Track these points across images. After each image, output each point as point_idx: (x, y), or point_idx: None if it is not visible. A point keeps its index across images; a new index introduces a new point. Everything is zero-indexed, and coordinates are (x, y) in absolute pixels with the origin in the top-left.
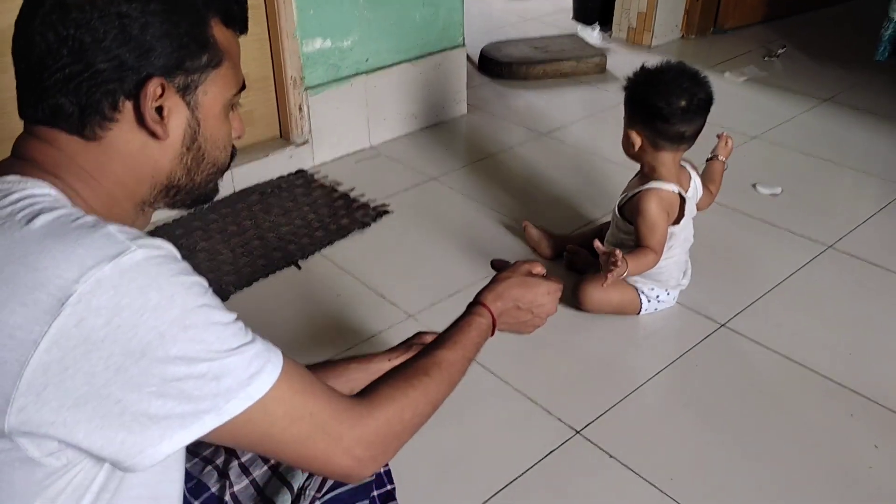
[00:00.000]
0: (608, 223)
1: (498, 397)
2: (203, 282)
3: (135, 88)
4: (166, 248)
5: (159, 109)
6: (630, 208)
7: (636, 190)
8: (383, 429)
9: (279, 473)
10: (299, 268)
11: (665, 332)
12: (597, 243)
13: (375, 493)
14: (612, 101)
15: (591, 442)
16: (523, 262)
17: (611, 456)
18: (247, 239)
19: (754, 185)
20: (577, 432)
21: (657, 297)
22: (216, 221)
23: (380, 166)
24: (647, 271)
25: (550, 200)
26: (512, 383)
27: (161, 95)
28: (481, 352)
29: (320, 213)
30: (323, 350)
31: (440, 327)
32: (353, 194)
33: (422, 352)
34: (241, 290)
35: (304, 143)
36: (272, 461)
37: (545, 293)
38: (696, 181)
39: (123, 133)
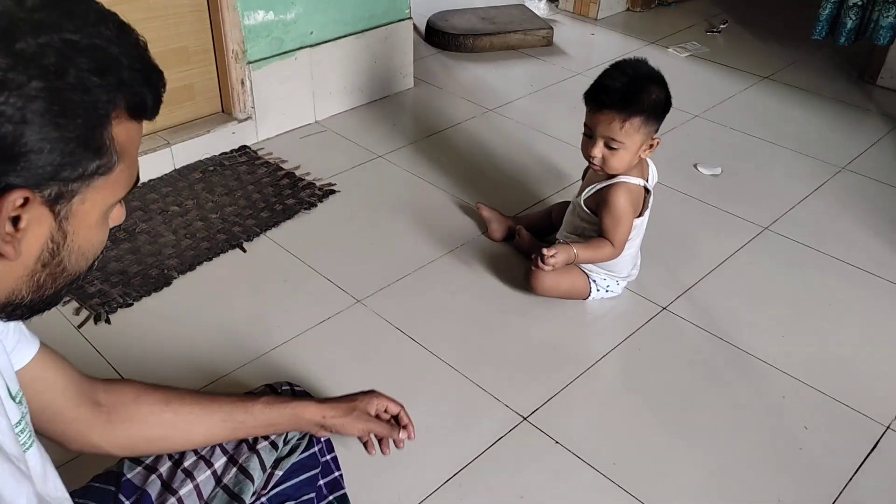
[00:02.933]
0: (559, 204)
1: (446, 384)
2: None
3: None
4: None
5: (14, 220)
6: (595, 199)
7: (605, 183)
8: None
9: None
10: (244, 251)
11: (610, 316)
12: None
13: (322, 481)
14: (558, 77)
15: (538, 428)
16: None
17: (556, 442)
18: (189, 220)
19: (695, 166)
20: (524, 419)
21: (607, 287)
22: (157, 202)
23: (325, 142)
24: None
25: (499, 179)
26: (460, 370)
27: (22, 205)
28: (429, 337)
29: (265, 192)
30: (270, 337)
31: (388, 312)
32: (298, 172)
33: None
34: (184, 275)
35: (248, 118)
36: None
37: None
38: (653, 171)
39: None
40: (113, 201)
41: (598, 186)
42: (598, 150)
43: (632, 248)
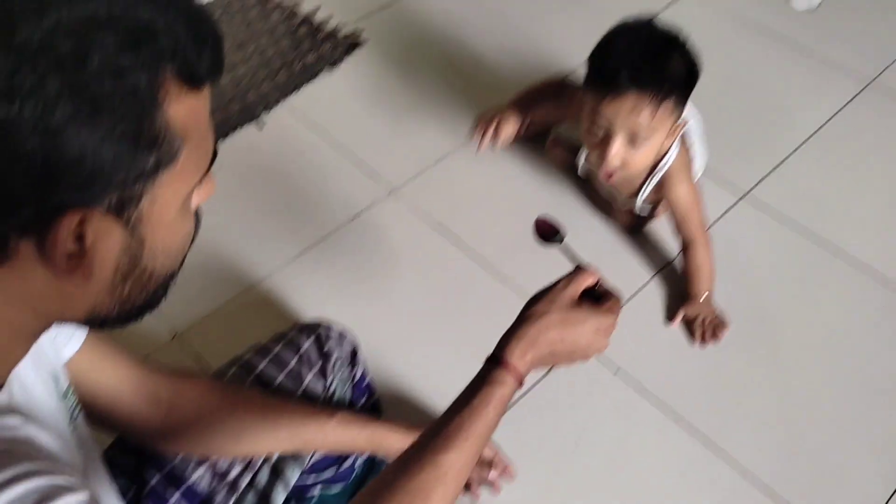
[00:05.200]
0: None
1: (485, 292)
2: None
3: (35, 226)
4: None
5: (79, 238)
6: (650, 199)
7: (653, 182)
8: None
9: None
10: (263, 124)
11: None
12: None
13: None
14: None
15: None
16: (570, 278)
17: (619, 369)
18: None
19: None
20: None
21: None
22: None
23: None
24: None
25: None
26: (501, 270)
27: (81, 223)
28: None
29: (281, 45)
30: (291, 243)
31: (426, 202)
32: (317, 18)
33: (419, 447)
34: None
35: None
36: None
37: (593, 332)
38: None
39: (15, 272)
40: (189, 189)
41: (648, 189)
42: (619, 150)
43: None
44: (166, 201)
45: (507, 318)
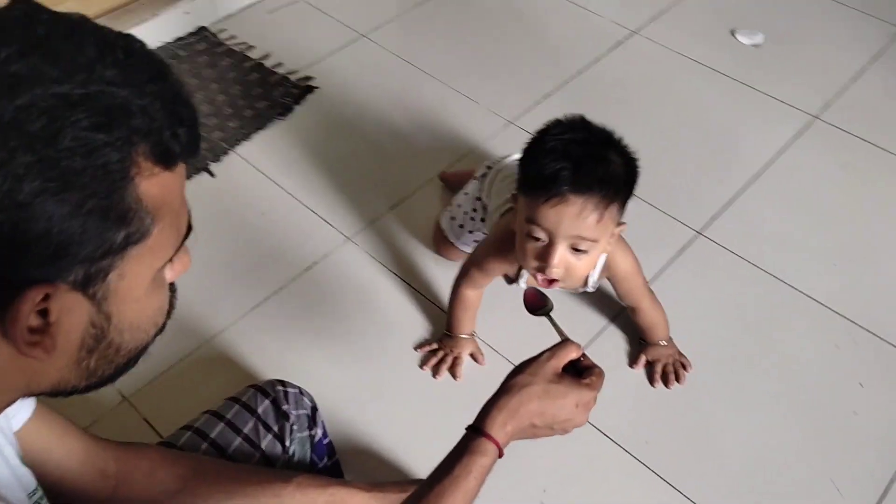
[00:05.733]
0: None
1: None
2: None
3: None
4: None
5: (43, 312)
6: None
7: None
8: None
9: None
10: (213, 175)
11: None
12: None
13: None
14: None
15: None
16: (553, 351)
17: None
18: None
19: (733, 32)
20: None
21: None
22: None
23: (298, 18)
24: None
25: (503, 59)
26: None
27: (45, 298)
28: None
29: (231, 92)
30: (244, 296)
31: (382, 250)
32: (268, 63)
33: None
34: None
35: None
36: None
37: (573, 406)
38: None
39: None
40: (161, 264)
41: (595, 276)
42: (561, 257)
43: None
44: (136, 276)
45: (469, 369)
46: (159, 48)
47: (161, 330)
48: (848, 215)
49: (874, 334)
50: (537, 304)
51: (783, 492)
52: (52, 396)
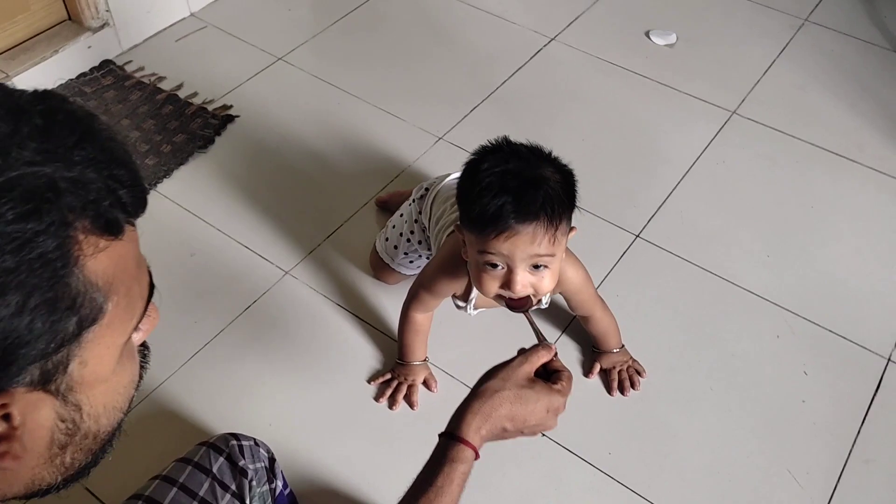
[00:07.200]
0: None
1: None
2: None
3: None
4: None
5: (5, 417)
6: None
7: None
8: None
9: None
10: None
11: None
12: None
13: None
14: None
15: None
16: (526, 356)
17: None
18: None
19: (647, 34)
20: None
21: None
22: None
23: (208, 44)
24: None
25: (426, 76)
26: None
27: (4, 405)
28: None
29: (145, 127)
30: (183, 342)
31: (323, 282)
32: (182, 93)
33: None
34: None
35: (104, 25)
36: None
37: (544, 411)
38: None
39: None
40: (123, 339)
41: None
42: (524, 279)
43: None
44: (99, 359)
45: (425, 395)
46: (62, 86)
47: (129, 409)
48: (775, 206)
49: (811, 321)
50: (520, 302)
51: (745, 487)
52: (25, 499)
